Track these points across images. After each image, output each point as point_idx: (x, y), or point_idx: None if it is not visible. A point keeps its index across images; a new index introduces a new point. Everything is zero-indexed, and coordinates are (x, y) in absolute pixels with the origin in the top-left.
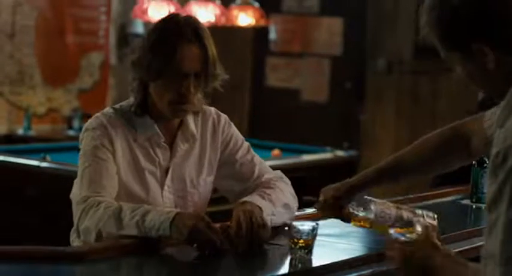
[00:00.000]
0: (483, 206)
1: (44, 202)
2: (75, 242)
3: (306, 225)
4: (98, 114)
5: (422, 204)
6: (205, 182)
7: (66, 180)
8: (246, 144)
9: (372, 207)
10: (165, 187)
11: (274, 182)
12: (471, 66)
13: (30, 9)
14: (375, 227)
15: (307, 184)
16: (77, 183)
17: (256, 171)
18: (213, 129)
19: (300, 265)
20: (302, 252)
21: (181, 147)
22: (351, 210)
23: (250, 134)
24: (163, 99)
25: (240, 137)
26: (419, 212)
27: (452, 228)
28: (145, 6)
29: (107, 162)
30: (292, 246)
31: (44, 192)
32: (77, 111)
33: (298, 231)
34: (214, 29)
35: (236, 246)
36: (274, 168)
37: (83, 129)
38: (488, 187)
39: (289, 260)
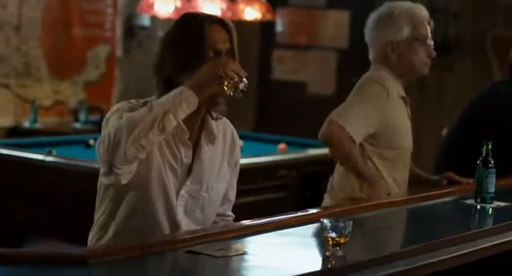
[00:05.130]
0: (488, 206)
1: (48, 197)
2: (95, 238)
3: (338, 222)
4: (124, 101)
5: (426, 204)
6: (218, 189)
7: (71, 175)
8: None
9: None
10: (184, 186)
11: None
12: None
13: (36, 1)
14: None
15: (312, 178)
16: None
17: (231, 198)
18: (231, 141)
19: (333, 262)
20: (335, 249)
21: (206, 148)
22: None
23: (256, 127)
24: None
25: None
26: None
27: (455, 229)
28: (151, 0)
29: None
30: (326, 243)
31: (49, 187)
32: (83, 103)
33: (331, 228)
34: None
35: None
36: (280, 163)
37: (113, 110)
38: None
39: (322, 257)
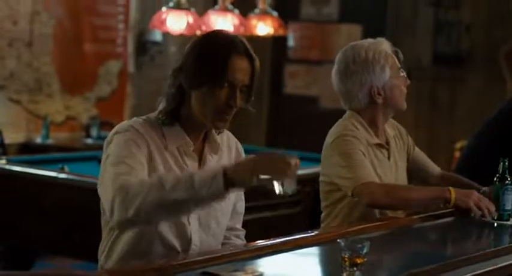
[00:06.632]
0: (505, 223)
1: (61, 214)
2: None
3: (355, 243)
4: (126, 121)
5: (442, 221)
6: (229, 200)
7: (83, 191)
8: None
9: None
10: None
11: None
12: None
13: (48, 17)
14: None
15: None
16: (105, 185)
17: (240, 210)
18: (237, 153)
19: None
20: (352, 270)
21: (210, 158)
22: None
23: (268, 142)
24: (206, 107)
25: None
26: None
27: (473, 247)
28: (163, 16)
29: (141, 158)
30: (342, 263)
31: (62, 204)
32: (95, 119)
33: (348, 248)
34: None
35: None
36: None
37: (113, 132)
38: None
39: None
